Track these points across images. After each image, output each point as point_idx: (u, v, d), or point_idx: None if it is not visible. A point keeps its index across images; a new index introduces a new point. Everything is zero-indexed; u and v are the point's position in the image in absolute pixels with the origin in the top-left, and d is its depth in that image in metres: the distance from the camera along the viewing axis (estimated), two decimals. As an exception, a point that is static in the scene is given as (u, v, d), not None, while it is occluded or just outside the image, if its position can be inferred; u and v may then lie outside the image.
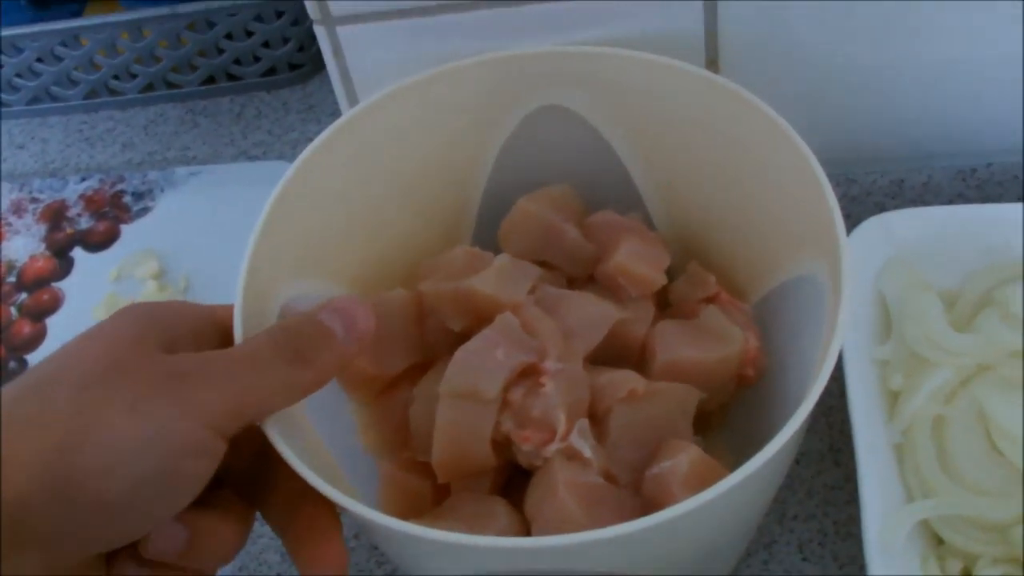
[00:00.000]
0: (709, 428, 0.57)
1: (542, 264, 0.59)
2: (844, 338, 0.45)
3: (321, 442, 0.54)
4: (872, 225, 0.59)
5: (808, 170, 0.50)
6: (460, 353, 0.53)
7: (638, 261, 0.57)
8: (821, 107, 0.65)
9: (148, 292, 0.74)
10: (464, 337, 0.54)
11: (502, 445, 0.53)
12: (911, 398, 0.55)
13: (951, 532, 0.53)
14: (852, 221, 0.60)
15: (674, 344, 0.56)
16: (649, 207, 0.62)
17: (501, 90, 0.59)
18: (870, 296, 0.59)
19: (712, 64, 0.63)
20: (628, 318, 0.56)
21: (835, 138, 0.65)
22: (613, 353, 0.56)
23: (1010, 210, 0.59)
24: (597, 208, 0.61)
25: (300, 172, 0.55)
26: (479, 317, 0.55)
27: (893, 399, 0.57)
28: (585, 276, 0.60)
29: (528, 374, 0.53)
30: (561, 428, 0.52)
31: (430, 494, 0.56)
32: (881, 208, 0.61)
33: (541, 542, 0.43)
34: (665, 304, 0.60)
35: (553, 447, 0.52)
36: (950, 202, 0.65)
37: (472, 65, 0.58)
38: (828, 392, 0.56)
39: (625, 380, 0.53)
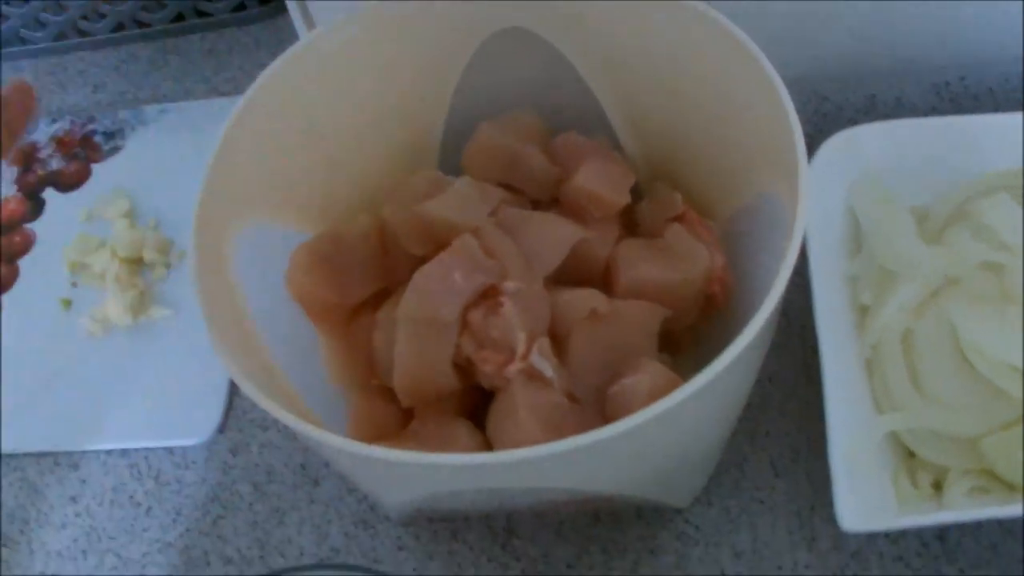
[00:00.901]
0: (679, 351, 0.57)
1: (507, 188, 0.58)
2: (796, 256, 0.44)
3: (285, 375, 0.53)
4: (839, 140, 0.58)
5: (772, 90, 0.49)
6: (418, 277, 0.52)
7: (600, 181, 0.57)
8: (792, 24, 0.63)
9: (119, 232, 0.73)
10: (426, 262, 0.53)
11: (464, 368, 0.53)
12: (879, 312, 0.55)
13: (921, 445, 0.53)
14: (824, 137, 0.59)
15: (637, 263, 0.55)
16: (615, 128, 0.61)
17: (461, 12, 0.58)
18: (840, 212, 0.58)
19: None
20: (591, 238, 0.56)
21: (807, 55, 0.64)
22: (577, 274, 0.56)
23: (979, 121, 0.58)
24: (562, 131, 0.60)
25: (253, 103, 0.54)
26: (439, 241, 0.54)
27: (863, 315, 0.56)
28: (549, 199, 0.59)
29: (487, 296, 0.52)
30: (521, 348, 0.51)
31: (397, 421, 0.55)
32: (853, 124, 0.59)
33: (498, 457, 0.42)
34: (632, 225, 0.59)
35: (514, 368, 0.51)
36: (924, 116, 0.64)
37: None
38: (802, 311, 0.56)
39: (587, 299, 0.53)
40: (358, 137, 0.59)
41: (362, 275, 0.57)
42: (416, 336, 0.52)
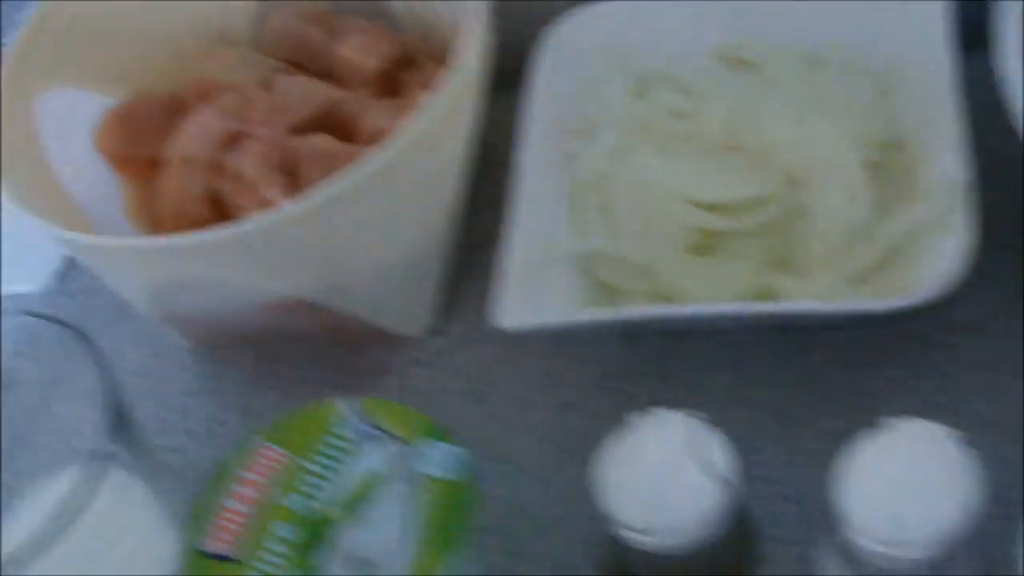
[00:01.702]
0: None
1: (297, 65, 0.69)
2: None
3: (88, 216, 0.65)
4: (573, 17, 0.67)
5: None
6: (184, 125, 0.64)
7: (356, 52, 0.66)
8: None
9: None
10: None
11: (221, 201, 0.64)
12: (583, 154, 0.63)
13: (607, 272, 0.60)
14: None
15: (377, 118, 0.64)
16: (393, 11, 0.70)
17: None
18: (572, 77, 0.66)
19: None
20: (344, 98, 0.65)
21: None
22: (334, 128, 0.65)
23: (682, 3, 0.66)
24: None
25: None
26: (212, 98, 0.65)
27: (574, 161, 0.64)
28: (327, 72, 0.69)
29: (237, 140, 0.63)
30: (255, 182, 0.62)
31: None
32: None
33: (187, 239, 0.54)
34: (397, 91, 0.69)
35: (249, 198, 0.62)
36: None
37: None
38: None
39: (319, 142, 0.63)
40: (169, 15, 0.70)
41: (161, 133, 0.68)
42: (178, 173, 0.63)
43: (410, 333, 0.65)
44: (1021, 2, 0.52)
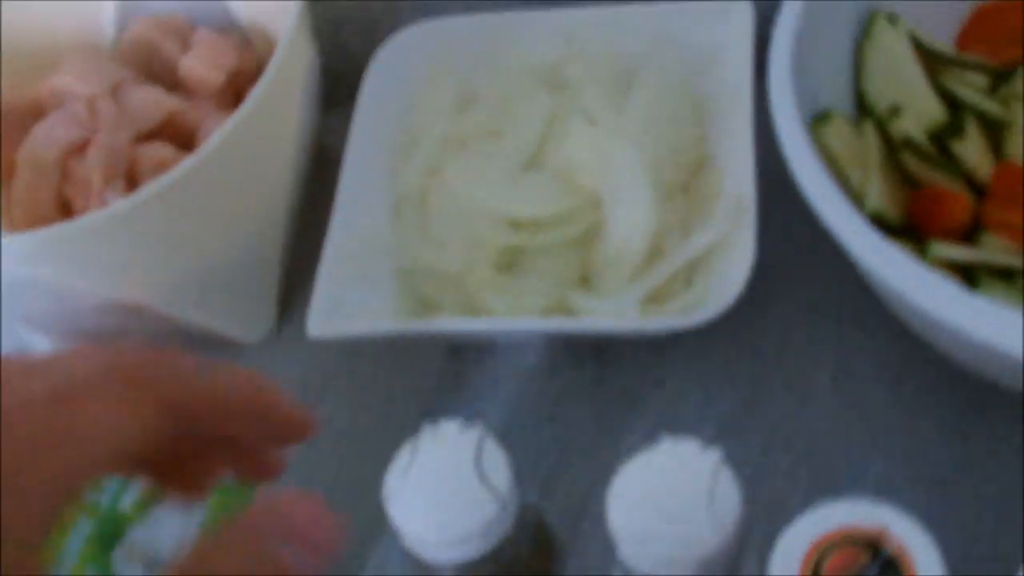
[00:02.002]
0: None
1: (151, 75, 0.71)
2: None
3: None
4: (403, 35, 0.69)
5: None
6: (33, 130, 0.66)
7: (201, 63, 0.69)
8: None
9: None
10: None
11: (69, 207, 0.66)
12: (403, 169, 0.66)
13: (425, 284, 0.63)
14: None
15: (214, 128, 0.67)
16: (245, 29, 0.73)
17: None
18: (400, 93, 0.69)
19: None
20: (186, 108, 0.68)
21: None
22: (179, 138, 0.68)
23: (506, 17, 0.68)
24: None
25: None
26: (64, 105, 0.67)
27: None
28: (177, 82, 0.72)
29: (84, 147, 0.65)
30: (96, 187, 0.64)
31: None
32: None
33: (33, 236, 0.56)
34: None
35: (93, 204, 0.64)
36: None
37: None
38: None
39: (158, 151, 0.65)
40: (32, 25, 0.73)
41: (20, 137, 0.70)
42: (27, 176, 0.66)
43: (249, 339, 0.67)
44: (798, 24, 0.55)
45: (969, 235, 0.56)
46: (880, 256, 0.48)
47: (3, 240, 0.57)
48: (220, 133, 0.57)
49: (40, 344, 0.71)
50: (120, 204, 0.56)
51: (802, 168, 0.51)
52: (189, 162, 0.57)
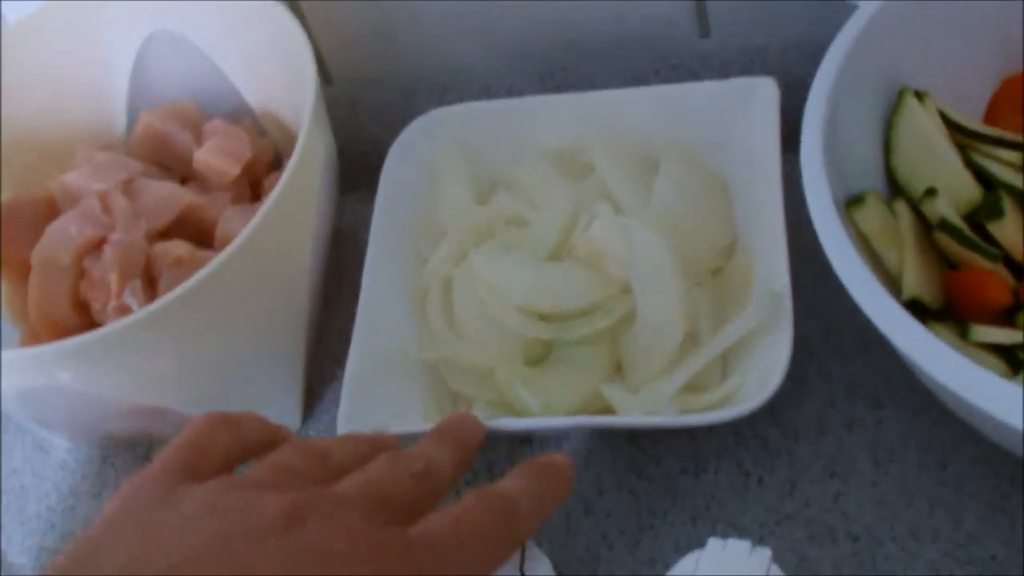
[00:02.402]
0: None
1: (163, 166, 0.70)
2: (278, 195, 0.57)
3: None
4: (423, 120, 0.68)
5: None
6: (47, 229, 0.65)
7: (216, 156, 0.68)
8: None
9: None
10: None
11: (84, 306, 0.65)
12: (428, 261, 0.65)
13: (451, 376, 0.62)
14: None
15: (232, 222, 0.66)
16: (258, 115, 0.72)
17: (113, 16, 0.70)
18: (420, 180, 0.68)
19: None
20: (202, 202, 0.67)
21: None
22: (194, 232, 0.67)
23: (528, 102, 0.67)
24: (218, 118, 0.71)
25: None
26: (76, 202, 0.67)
27: (422, 263, 0.66)
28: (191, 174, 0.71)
29: (98, 246, 0.64)
30: (114, 287, 0.63)
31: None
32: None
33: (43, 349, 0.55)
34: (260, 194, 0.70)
35: (111, 305, 0.63)
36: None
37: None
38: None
39: (175, 248, 0.64)
40: (42, 118, 0.72)
41: (32, 234, 0.69)
42: (42, 277, 0.65)
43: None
44: (826, 103, 0.54)
45: (1009, 312, 0.54)
46: (921, 346, 0.47)
47: (24, 351, 0.56)
48: (241, 236, 0.56)
49: (57, 443, 0.70)
50: (143, 311, 0.54)
51: (839, 256, 0.50)
52: (211, 266, 0.55)
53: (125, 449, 0.69)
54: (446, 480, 0.47)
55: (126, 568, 0.39)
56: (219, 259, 0.56)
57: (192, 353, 0.59)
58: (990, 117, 0.61)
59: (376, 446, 0.49)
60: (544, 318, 0.60)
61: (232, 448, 0.47)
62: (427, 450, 0.48)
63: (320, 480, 0.45)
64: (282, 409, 0.66)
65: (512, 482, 0.48)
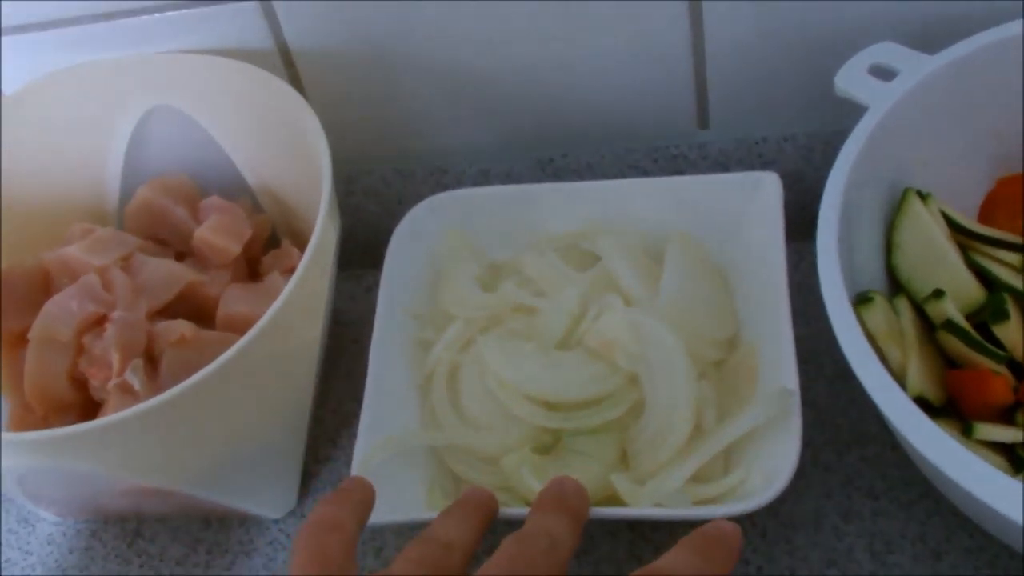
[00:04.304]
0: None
1: (159, 240, 0.70)
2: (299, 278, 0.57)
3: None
4: (426, 204, 0.69)
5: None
6: (47, 304, 0.64)
7: (216, 234, 0.68)
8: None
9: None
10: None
11: (83, 382, 0.64)
12: (434, 347, 0.65)
13: (456, 462, 0.62)
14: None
15: (234, 302, 0.66)
16: (255, 192, 0.72)
17: (114, 90, 0.70)
18: (423, 264, 0.68)
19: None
20: (203, 280, 0.67)
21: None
22: (194, 310, 0.66)
23: (532, 189, 0.68)
24: (213, 192, 0.71)
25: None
26: (76, 277, 0.66)
27: (425, 348, 0.66)
28: (190, 250, 0.70)
29: (99, 323, 0.64)
30: (116, 366, 0.62)
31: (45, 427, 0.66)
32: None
33: (42, 435, 0.54)
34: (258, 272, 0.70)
35: (112, 382, 0.62)
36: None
37: (84, 66, 0.70)
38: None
39: (177, 327, 0.64)
40: (35, 189, 0.71)
41: (27, 308, 0.68)
42: (40, 352, 0.64)
43: (273, 515, 0.66)
44: (841, 200, 0.55)
45: (1010, 410, 0.56)
46: (933, 443, 0.48)
47: (25, 436, 0.55)
48: (260, 323, 0.56)
49: (43, 515, 0.69)
50: (161, 397, 0.54)
51: (855, 353, 0.51)
52: (230, 352, 0.55)
53: (114, 524, 0.68)
54: (568, 550, 0.47)
55: None
56: (237, 346, 0.55)
57: (200, 438, 0.58)
58: (984, 216, 0.62)
59: (478, 510, 0.51)
60: (552, 407, 0.60)
61: (346, 542, 0.48)
62: (543, 525, 0.47)
63: (456, 566, 0.47)
64: (280, 489, 0.66)
65: (676, 558, 0.47)
